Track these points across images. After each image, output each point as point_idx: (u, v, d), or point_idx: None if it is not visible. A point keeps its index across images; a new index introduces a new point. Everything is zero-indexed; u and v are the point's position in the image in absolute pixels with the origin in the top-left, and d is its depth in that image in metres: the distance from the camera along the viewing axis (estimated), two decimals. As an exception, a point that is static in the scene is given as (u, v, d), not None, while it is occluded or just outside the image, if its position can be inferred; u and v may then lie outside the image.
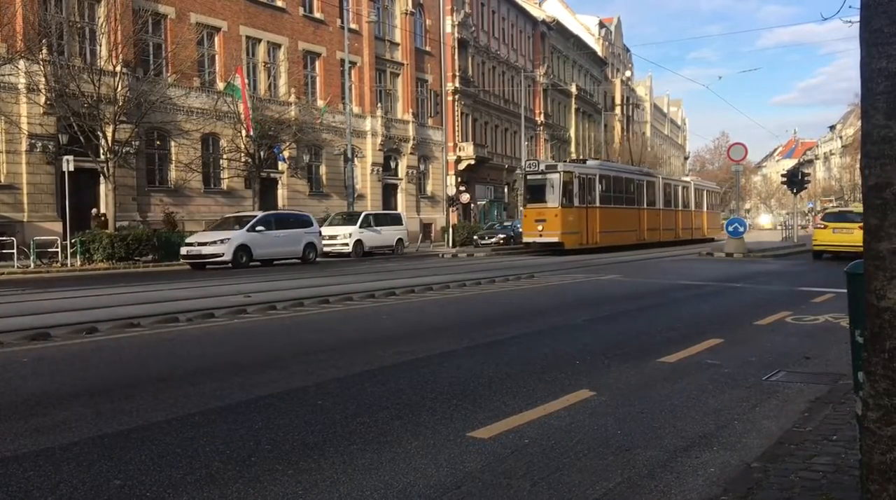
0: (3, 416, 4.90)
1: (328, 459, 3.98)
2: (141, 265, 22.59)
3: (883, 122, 2.56)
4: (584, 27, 76.68)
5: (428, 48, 44.43)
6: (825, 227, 22.38)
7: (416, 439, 4.33)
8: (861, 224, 2.77)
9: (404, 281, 15.20)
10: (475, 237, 35.42)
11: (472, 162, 46.13)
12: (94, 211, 25.37)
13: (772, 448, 4.04)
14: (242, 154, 30.31)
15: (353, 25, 36.89)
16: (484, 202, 49.40)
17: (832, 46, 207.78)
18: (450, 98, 46.36)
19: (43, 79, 24.21)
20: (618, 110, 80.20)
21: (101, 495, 3.50)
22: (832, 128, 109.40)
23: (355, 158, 35.52)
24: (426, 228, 42.46)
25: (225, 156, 31.07)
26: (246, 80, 29.92)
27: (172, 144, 29.49)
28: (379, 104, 39.77)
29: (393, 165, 41.42)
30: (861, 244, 2.73)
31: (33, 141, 24.64)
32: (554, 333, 8.58)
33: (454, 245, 34.89)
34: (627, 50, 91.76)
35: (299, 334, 8.78)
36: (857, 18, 2.70)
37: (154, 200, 28.59)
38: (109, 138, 24.39)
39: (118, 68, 25.10)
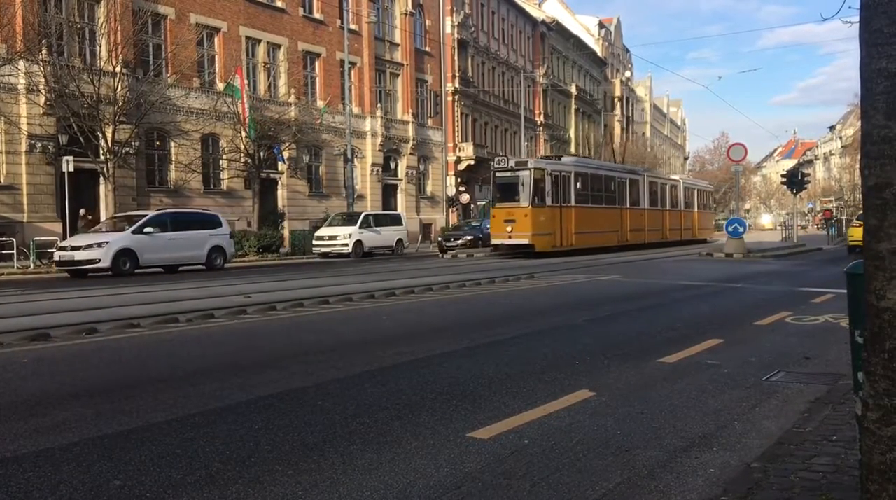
0: (3, 416, 4.90)
1: (328, 459, 3.98)
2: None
3: (883, 122, 2.56)
4: (584, 27, 76.71)
5: (428, 49, 44.44)
6: (859, 225, 22.97)
7: (416, 439, 4.33)
8: None
9: (404, 282, 15.20)
10: (440, 239, 32.48)
11: (472, 162, 46.13)
12: (81, 211, 24.59)
13: (772, 449, 4.04)
14: (242, 155, 30.32)
15: (352, 26, 36.89)
16: (484, 203, 49.41)
17: (832, 47, 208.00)
18: (450, 98, 46.36)
19: (43, 79, 24.20)
20: (617, 111, 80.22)
21: (101, 495, 3.50)
22: (832, 128, 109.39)
23: (355, 159, 35.52)
24: (426, 228, 42.46)
25: (225, 156, 31.08)
26: (245, 81, 29.94)
27: (172, 144, 29.49)
28: (379, 105, 39.77)
29: (393, 165, 41.42)
30: None
31: (33, 141, 24.63)
32: (554, 333, 8.58)
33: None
34: (627, 50, 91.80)
35: (299, 335, 8.78)
36: (857, 19, 2.70)
37: (154, 201, 28.57)
38: (109, 139, 24.40)
39: (118, 69, 25.10)
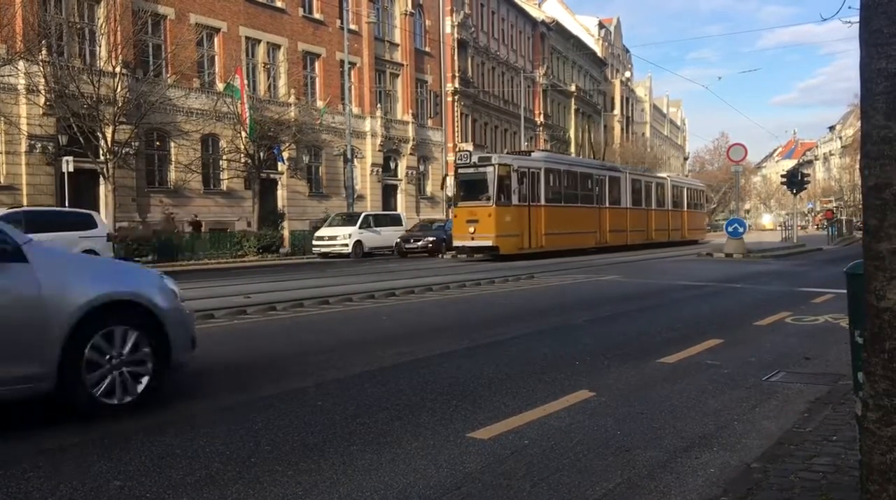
0: (2, 416, 4.90)
1: (328, 460, 3.98)
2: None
3: (882, 122, 2.56)
4: (584, 28, 76.73)
5: (427, 49, 44.44)
6: None
7: (416, 439, 4.33)
8: None
9: (404, 282, 15.20)
10: (398, 241, 29.05)
11: (472, 162, 46.06)
12: None
13: (771, 449, 4.04)
14: (242, 155, 30.33)
15: (352, 26, 36.90)
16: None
17: (832, 47, 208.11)
18: (449, 99, 46.37)
19: (42, 80, 24.21)
20: (617, 111, 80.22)
21: (101, 495, 3.50)
22: (832, 128, 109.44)
23: (355, 159, 35.52)
24: (426, 228, 42.48)
25: (224, 157, 31.09)
26: (245, 81, 29.94)
27: (172, 144, 29.50)
28: (378, 105, 39.78)
29: (392, 165, 41.43)
30: None
31: (33, 142, 24.64)
32: (554, 333, 8.58)
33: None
34: (627, 50, 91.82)
35: (299, 335, 8.78)
36: (857, 19, 2.70)
37: (154, 201, 28.60)
38: (109, 139, 24.40)
39: (118, 69, 25.10)
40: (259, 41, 33.50)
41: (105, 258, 5.00)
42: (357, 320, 10.03)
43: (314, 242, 28.48)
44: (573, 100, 66.96)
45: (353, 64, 36.90)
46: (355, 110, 36.96)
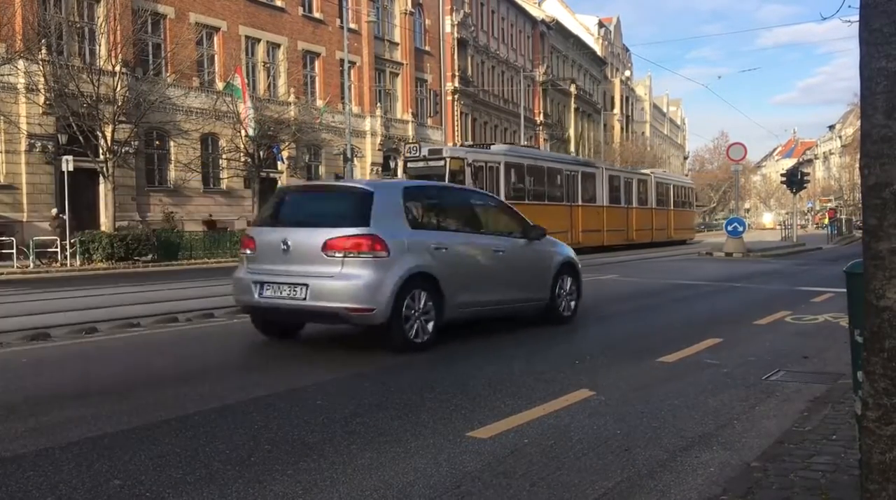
0: (2, 416, 4.90)
1: (328, 459, 3.98)
2: (140, 265, 22.58)
3: (882, 121, 2.56)
4: (584, 27, 76.72)
5: (427, 48, 44.43)
6: None
7: (416, 438, 4.33)
8: None
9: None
10: None
11: (472, 162, 46.06)
12: (53, 211, 24.01)
13: (771, 448, 4.04)
14: (242, 154, 30.32)
15: (352, 25, 36.88)
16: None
17: (832, 46, 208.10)
18: (449, 98, 46.36)
19: (42, 79, 24.22)
20: (617, 110, 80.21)
21: (101, 495, 3.50)
22: (831, 127, 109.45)
23: (355, 158, 35.48)
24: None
25: (224, 156, 31.09)
26: (246, 80, 29.92)
27: (172, 143, 29.50)
28: (378, 104, 39.77)
29: (392, 164, 41.40)
30: None
31: (32, 141, 24.64)
32: (553, 332, 8.58)
33: None
34: (627, 49, 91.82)
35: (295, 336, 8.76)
36: (857, 18, 2.70)
37: (153, 200, 28.61)
38: (109, 138, 24.39)
39: (117, 68, 25.09)
40: (259, 40, 33.49)
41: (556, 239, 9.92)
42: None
43: None
44: (573, 99, 66.95)
45: (352, 63, 36.88)
46: (355, 109, 36.95)
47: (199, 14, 30.68)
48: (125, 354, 7.49)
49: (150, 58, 28.85)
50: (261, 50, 33.64)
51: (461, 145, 30.41)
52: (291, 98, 33.52)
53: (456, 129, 46.59)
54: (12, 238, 21.62)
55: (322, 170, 36.61)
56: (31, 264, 21.35)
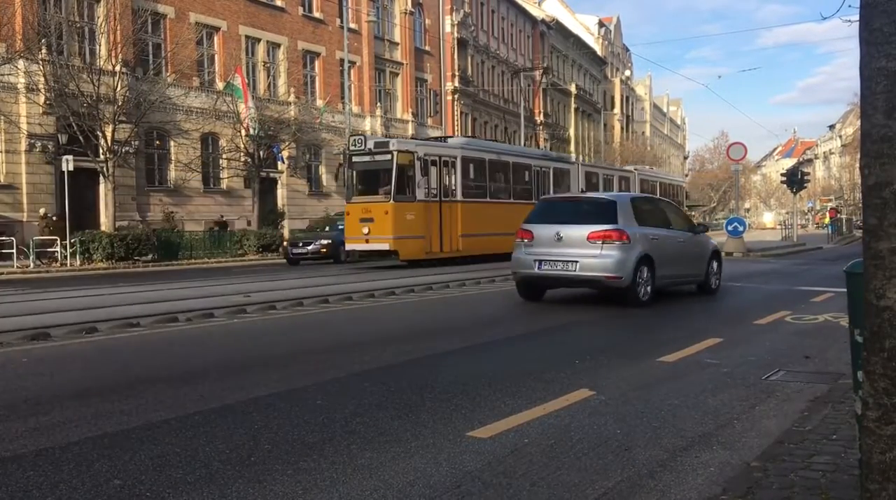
0: (3, 416, 4.90)
1: (328, 458, 3.98)
2: (140, 265, 22.59)
3: (882, 121, 2.56)
4: (584, 27, 76.72)
5: (427, 48, 44.44)
6: None
7: (416, 438, 4.33)
8: None
9: (404, 281, 15.19)
10: (285, 244, 24.95)
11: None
12: (41, 211, 23.86)
13: (771, 448, 4.04)
14: (242, 154, 30.33)
15: (352, 25, 36.89)
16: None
17: (832, 45, 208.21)
18: (449, 98, 46.36)
19: (42, 79, 24.23)
20: (617, 110, 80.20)
21: (101, 495, 3.50)
22: (832, 127, 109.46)
23: (355, 158, 35.48)
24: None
25: (224, 156, 31.11)
26: (246, 80, 29.92)
27: (172, 143, 29.52)
28: (378, 104, 39.77)
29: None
30: None
31: (33, 141, 24.65)
32: (554, 332, 8.58)
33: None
34: (627, 49, 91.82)
35: (299, 334, 8.78)
36: (857, 17, 2.70)
37: (154, 200, 28.63)
38: (109, 138, 24.41)
39: (118, 68, 25.11)
40: (259, 40, 33.49)
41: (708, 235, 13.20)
42: (357, 319, 10.03)
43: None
44: (573, 99, 66.95)
45: (352, 63, 36.89)
46: (355, 109, 36.95)
47: (199, 14, 30.69)
48: (125, 354, 7.49)
49: (151, 58, 28.87)
50: (261, 50, 33.64)
51: (413, 137, 28.25)
52: (291, 98, 33.53)
53: (456, 128, 46.59)
54: (12, 238, 21.63)
55: (322, 170, 36.60)
56: (32, 264, 21.37)
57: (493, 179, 23.37)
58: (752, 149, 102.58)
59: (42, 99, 24.55)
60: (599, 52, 77.09)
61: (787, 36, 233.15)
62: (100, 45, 26.29)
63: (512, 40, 56.80)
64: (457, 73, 46.55)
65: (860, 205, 3.46)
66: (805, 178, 35.25)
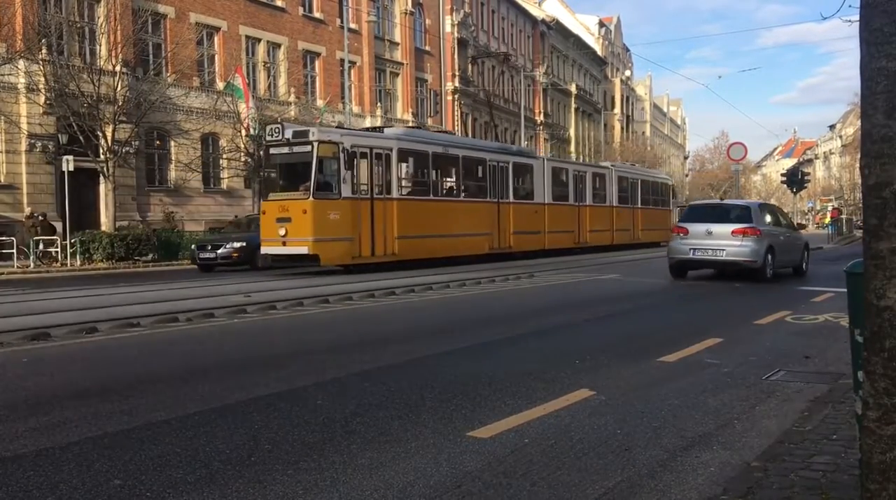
0: (3, 416, 4.90)
1: (328, 458, 3.98)
2: (141, 265, 22.58)
3: (883, 121, 2.56)
4: (584, 27, 76.70)
5: (427, 48, 44.44)
6: None
7: (416, 438, 4.33)
8: None
9: (404, 281, 15.19)
10: (192, 247, 21.94)
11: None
12: (28, 210, 23.46)
13: (771, 448, 4.04)
14: (242, 154, 30.33)
15: (352, 25, 36.88)
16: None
17: (832, 46, 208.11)
18: (449, 98, 46.36)
19: (42, 79, 24.23)
20: (617, 110, 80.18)
21: (101, 495, 3.50)
22: (832, 127, 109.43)
23: (355, 158, 35.48)
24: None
25: (224, 156, 31.09)
26: (247, 80, 29.91)
27: (172, 143, 29.51)
28: (378, 104, 39.77)
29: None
30: None
31: (33, 141, 24.65)
32: (554, 332, 8.58)
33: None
34: (627, 49, 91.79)
35: (299, 334, 8.78)
36: (857, 17, 2.70)
37: (154, 200, 28.63)
38: (109, 138, 24.40)
39: (118, 68, 25.10)
40: (259, 40, 33.49)
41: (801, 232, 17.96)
42: (357, 319, 10.04)
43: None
44: (573, 99, 66.94)
45: (353, 63, 36.88)
46: (355, 109, 36.95)
47: (199, 14, 30.68)
48: (125, 354, 7.49)
49: (151, 58, 28.87)
50: (261, 50, 33.64)
51: (339, 126, 25.56)
52: (292, 98, 33.52)
53: (456, 128, 46.59)
54: (12, 238, 21.63)
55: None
56: (32, 264, 21.36)
57: (438, 175, 21.31)
58: (752, 149, 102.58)
59: (42, 99, 24.54)
60: (599, 52, 77.07)
61: (787, 36, 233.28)
62: (100, 45, 26.28)
63: (512, 40, 56.79)
64: (457, 73, 46.56)
65: (860, 205, 3.46)
66: (805, 178, 35.26)
